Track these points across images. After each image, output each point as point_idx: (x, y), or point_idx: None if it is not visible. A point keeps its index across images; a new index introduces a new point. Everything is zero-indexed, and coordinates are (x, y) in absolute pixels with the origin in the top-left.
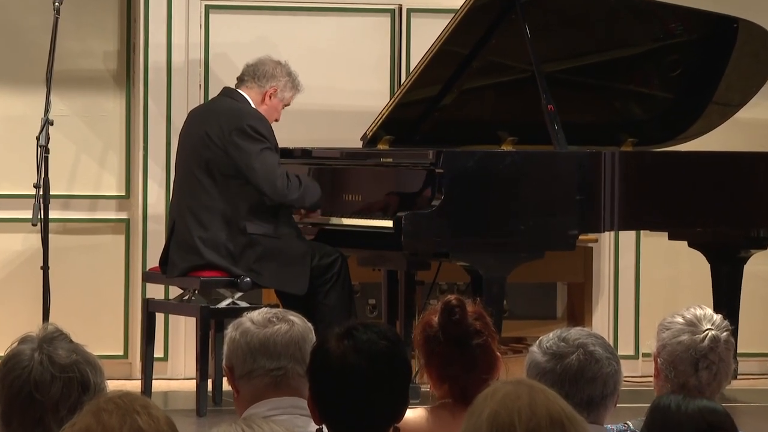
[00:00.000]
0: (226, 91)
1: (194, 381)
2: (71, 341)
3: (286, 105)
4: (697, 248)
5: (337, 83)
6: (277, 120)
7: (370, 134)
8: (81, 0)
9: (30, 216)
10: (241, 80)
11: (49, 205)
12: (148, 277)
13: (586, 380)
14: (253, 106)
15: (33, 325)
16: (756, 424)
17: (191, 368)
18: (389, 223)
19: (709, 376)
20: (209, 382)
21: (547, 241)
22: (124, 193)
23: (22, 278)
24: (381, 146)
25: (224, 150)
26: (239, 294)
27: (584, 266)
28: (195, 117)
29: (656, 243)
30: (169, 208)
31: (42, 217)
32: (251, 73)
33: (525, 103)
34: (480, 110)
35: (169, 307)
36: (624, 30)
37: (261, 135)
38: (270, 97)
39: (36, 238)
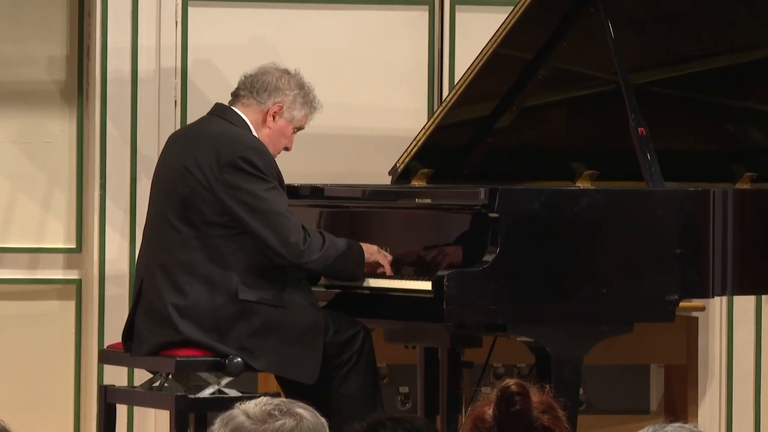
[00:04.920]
0: (218, 110)
1: None
2: None
3: (298, 129)
4: None
5: (358, 99)
6: (287, 149)
7: (402, 166)
8: None
9: None
10: (236, 95)
11: None
12: (107, 356)
13: None
14: (252, 129)
15: None
16: None
17: None
18: (427, 285)
19: None
20: None
21: (638, 309)
22: (74, 246)
23: None
24: (416, 182)
25: (210, 190)
26: (227, 379)
27: (687, 343)
28: (175, 143)
29: None
30: (136, 265)
31: None
32: (249, 86)
33: (607, 126)
34: (547, 135)
35: (134, 396)
36: (739, 29)
37: (260, 170)
38: (274, 117)
39: None
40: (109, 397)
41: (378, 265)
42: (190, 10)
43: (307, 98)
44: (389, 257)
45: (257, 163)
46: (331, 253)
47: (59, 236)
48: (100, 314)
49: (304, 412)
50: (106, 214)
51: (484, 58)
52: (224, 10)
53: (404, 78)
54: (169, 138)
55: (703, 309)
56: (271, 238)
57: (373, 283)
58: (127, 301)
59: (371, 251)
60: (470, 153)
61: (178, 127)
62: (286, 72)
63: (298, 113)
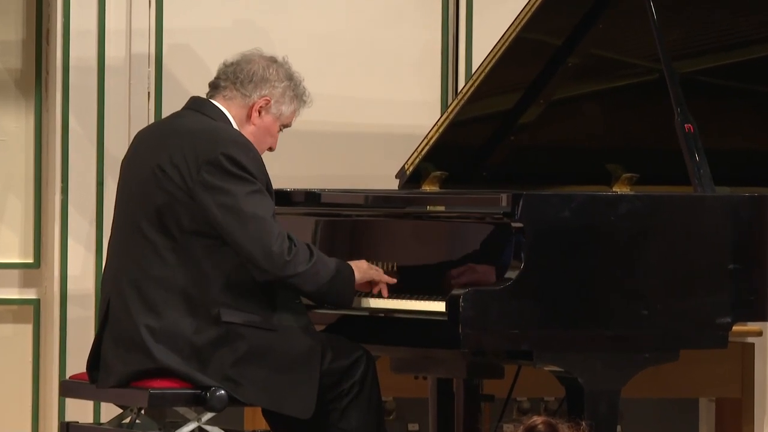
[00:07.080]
0: (194, 104)
1: None
2: None
3: (284, 126)
4: None
5: (360, 91)
6: (272, 149)
7: (411, 168)
8: None
9: None
10: (215, 87)
11: None
12: (69, 388)
13: None
14: (234, 125)
15: None
16: None
17: None
18: (441, 306)
19: None
20: None
21: (684, 334)
22: (31, 260)
23: None
24: (427, 187)
25: (188, 193)
26: (209, 415)
27: (742, 373)
28: (145, 142)
29: None
30: (102, 282)
31: None
32: (231, 77)
33: (648, 122)
34: (579, 132)
35: None
36: None
37: (245, 170)
38: (260, 113)
39: None
40: None
41: (372, 284)
42: None
43: (296, 91)
44: (383, 274)
45: (242, 161)
46: (318, 268)
47: (14, 249)
48: (61, 339)
49: None
50: (68, 224)
51: (506, 44)
52: None
53: (414, 67)
54: (136, 136)
55: (760, 333)
56: (252, 247)
57: (378, 303)
58: (93, 323)
59: (362, 268)
60: (490, 153)
61: (152, 122)
62: (273, 60)
63: (286, 108)
